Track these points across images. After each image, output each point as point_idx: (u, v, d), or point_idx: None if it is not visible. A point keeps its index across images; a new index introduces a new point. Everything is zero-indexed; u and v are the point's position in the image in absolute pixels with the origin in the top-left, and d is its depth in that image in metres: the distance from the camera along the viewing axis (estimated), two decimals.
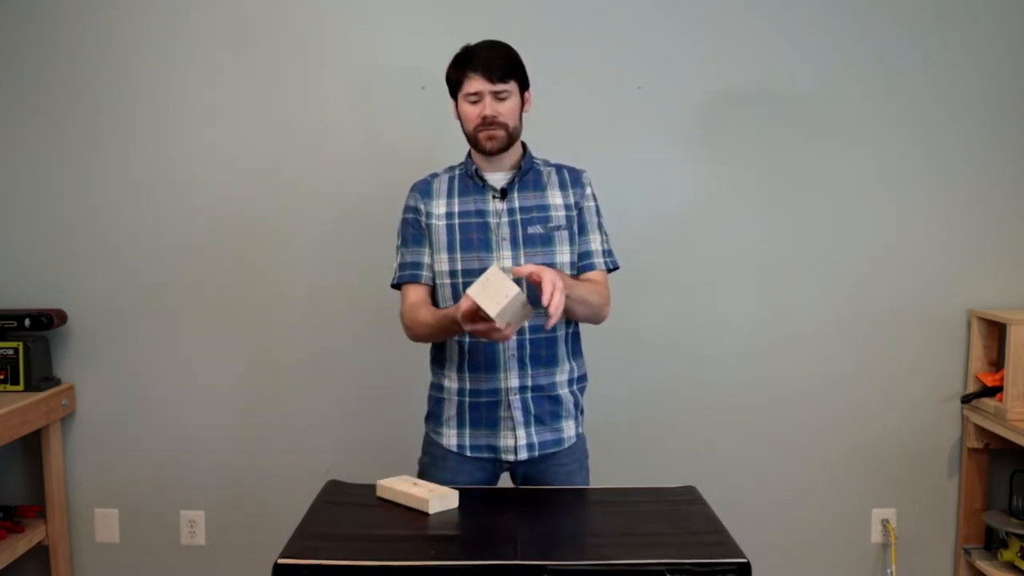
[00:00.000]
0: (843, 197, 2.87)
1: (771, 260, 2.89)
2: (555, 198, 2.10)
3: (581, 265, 2.12)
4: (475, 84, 2.01)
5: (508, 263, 2.05)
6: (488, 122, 2.01)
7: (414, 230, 2.12)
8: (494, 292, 1.75)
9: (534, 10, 2.78)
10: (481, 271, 2.03)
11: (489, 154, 2.06)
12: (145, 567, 2.92)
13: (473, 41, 2.07)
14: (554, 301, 1.76)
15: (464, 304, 1.79)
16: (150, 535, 2.91)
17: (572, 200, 2.11)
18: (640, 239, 2.80)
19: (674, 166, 2.86)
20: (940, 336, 2.92)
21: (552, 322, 1.79)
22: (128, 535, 2.91)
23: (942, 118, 2.86)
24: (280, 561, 1.55)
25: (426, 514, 1.78)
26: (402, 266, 2.13)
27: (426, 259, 2.11)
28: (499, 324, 1.75)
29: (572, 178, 2.14)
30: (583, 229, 2.12)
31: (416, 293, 2.11)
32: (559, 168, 2.16)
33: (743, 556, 1.58)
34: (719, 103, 2.84)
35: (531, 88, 2.10)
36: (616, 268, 2.16)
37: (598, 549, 1.65)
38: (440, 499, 1.81)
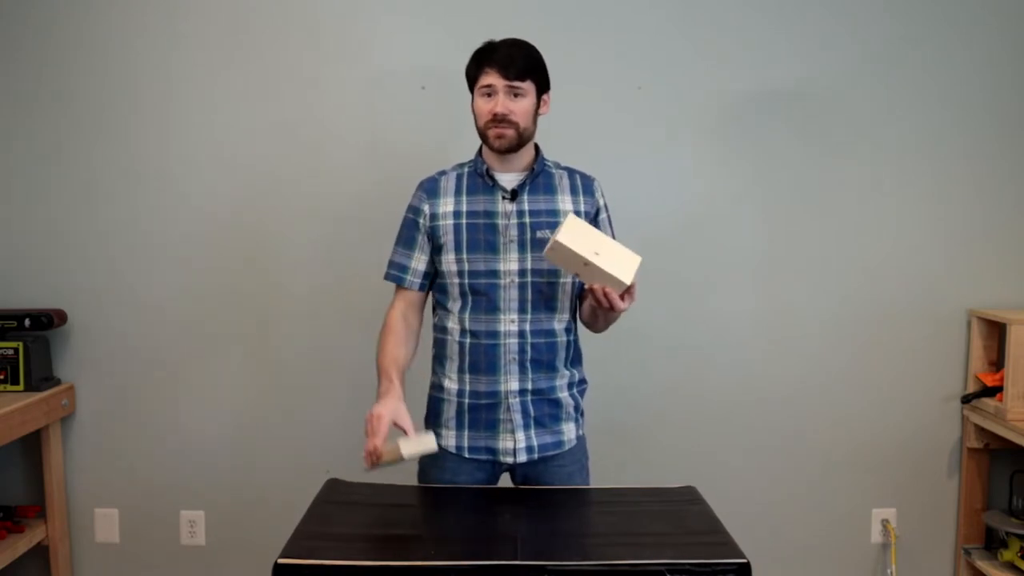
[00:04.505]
0: (843, 197, 2.87)
1: (771, 260, 2.89)
2: (565, 203, 2.09)
3: None
4: (490, 78, 2.00)
5: (514, 266, 2.04)
6: (499, 119, 2.00)
7: (409, 232, 2.12)
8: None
9: (534, 9, 2.78)
10: (487, 272, 2.04)
11: (497, 152, 2.05)
12: (145, 567, 2.92)
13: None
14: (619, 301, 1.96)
15: (372, 444, 1.85)
16: (150, 535, 2.91)
17: (583, 208, 2.10)
18: (640, 239, 2.76)
19: (674, 166, 2.85)
20: (940, 336, 2.92)
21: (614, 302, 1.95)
22: (128, 535, 2.91)
23: (942, 118, 2.86)
24: (280, 561, 1.56)
25: (426, 514, 1.77)
26: (390, 264, 2.14)
27: (413, 263, 2.11)
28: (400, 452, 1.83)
29: (584, 185, 2.13)
30: None
31: (401, 300, 2.13)
32: (571, 172, 2.15)
33: (743, 556, 1.59)
34: (719, 103, 2.83)
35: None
36: None
37: (598, 549, 1.66)
38: (415, 443, 1.82)
